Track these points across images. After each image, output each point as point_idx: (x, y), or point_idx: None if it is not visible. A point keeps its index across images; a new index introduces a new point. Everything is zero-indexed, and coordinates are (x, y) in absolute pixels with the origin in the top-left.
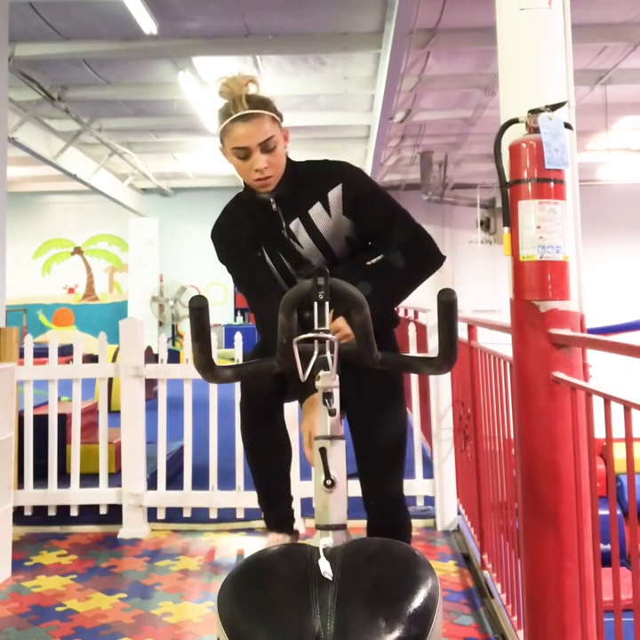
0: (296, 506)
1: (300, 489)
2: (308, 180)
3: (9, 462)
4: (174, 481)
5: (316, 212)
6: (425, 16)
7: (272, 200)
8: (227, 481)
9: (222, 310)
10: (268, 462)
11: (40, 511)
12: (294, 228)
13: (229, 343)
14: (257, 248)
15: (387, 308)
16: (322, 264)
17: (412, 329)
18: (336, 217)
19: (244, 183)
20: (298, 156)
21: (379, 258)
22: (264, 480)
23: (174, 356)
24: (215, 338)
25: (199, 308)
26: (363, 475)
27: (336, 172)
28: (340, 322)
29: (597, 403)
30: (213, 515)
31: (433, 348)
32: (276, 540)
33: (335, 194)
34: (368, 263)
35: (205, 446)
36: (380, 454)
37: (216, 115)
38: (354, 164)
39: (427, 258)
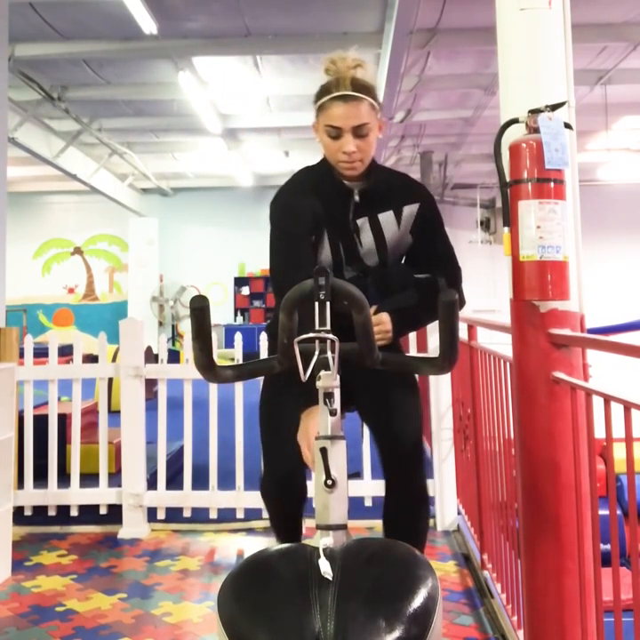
0: None
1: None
2: (389, 186)
3: (9, 462)
4: (174, 481)
5: (385, 218)
6: (425, 16)
7: (356, 191)
8: (227, 481)
9: (222, 310)
10: (288, 516)
11: (40, 511)
12: (360, 224)
13: (229, 343)
14: (316, 226)
15: (421, 323)
16: (375, 267)
17: None
18: (403, 231)
19: (323, 160)
20: (298, 155)
21: (428, 275)
22: (282, 527)
23: (174, 356)
24: (215, 338)
25: (200, 308)
26: (386, 466)
27: (418, 191)
28: (385, 316)
29: (597, 403)
30: (213, 515)
31: (433, 347)
32: None
33: (410, 210)
34: (417, 276)
35: (205, 446)
36: (404, 444)
37: (316, 90)
38: (428, 189)
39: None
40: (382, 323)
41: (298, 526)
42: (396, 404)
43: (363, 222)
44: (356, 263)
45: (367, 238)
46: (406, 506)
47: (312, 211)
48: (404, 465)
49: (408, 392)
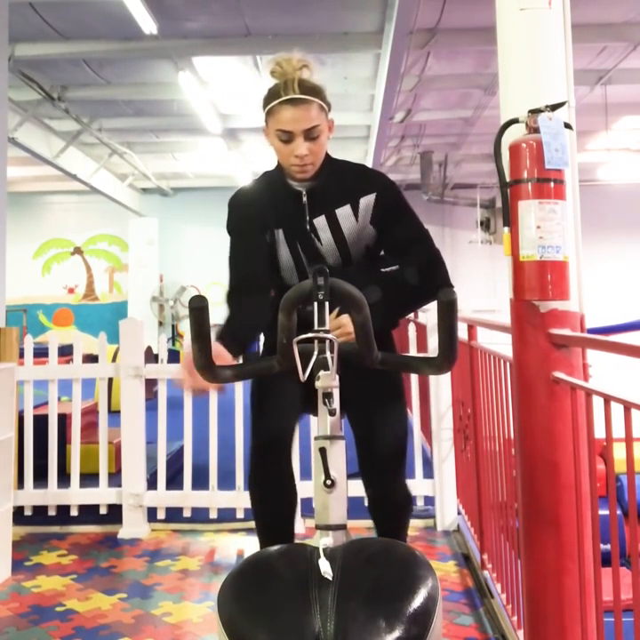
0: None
1: (300, 489)
2: (343, 180)
3: (9, 462)
4: (174, 481)
5: (343, 213)
6: (425, 16)
7: (304, 192)
8: (227, 481)
9: (222, 310)
10: (275, 512)
11: (40, 511)
12: (318, 223)
13: None
14: (267, 230)
15: (389, 318)
16: (337, 264)
17: (411, 329)
18: (362, 223)
19: (277, 164)
20: None
21: (394, 268)
22: (268, 528)
23: (174, 356)
24: (215, 338)
25: (199, 308)
26: (365, 473)
27: (373, 181)
28: (345, 318)
29: (597, 403)
30: (213, 515)
31: (433, 347)
32: None
33: (367, 201)
34: (382, 270)
35: (205, 446)
36: (383, 454)
37: (263, 94)
38: (386, 176)
39: (437, 284)
40: (342, 325)
41: (288, 535)
42: (379, 413)
43: (320, 220)
44: (318, 262)
45: (325, 236)
46: (388, 513)
47: (259, 215)
48: (381, 476)
49: (393, 401)
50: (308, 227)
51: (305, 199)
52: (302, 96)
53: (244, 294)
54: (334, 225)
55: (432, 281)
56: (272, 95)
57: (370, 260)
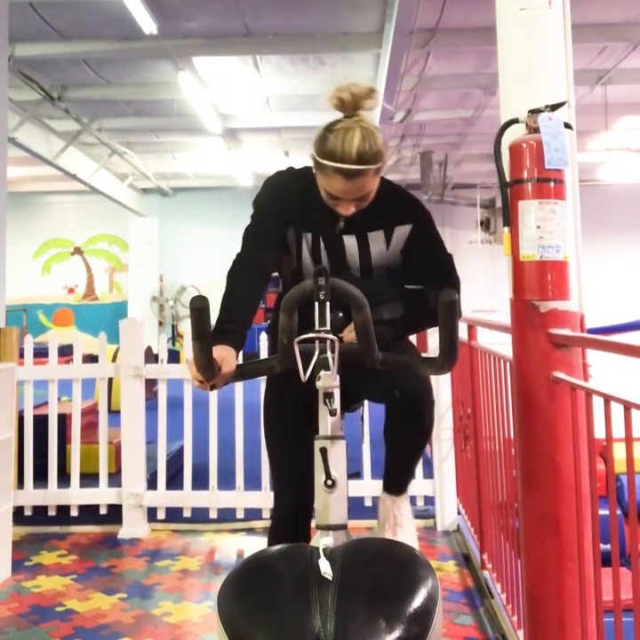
0: None
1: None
2: (381, 206)
3: (9, 462)
4: (174, 481)
5: (375, 237)
6: (425, 16)
7: (341, 218)
8: (227, 481)
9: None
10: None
11: (40, 511)
12: (348, 241)
13: None
14: (290, 227)
15: (405, 333)
16: (359, 278)
17: None
18: (392, 251)
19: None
20: (298, 155)
21: (418, 287)
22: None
23: (174, 356)
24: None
25: (200, 308)
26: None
27: (411, 211)
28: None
29: (597, 403)
30: (213, 515)
31: (433, 347)
32: None
33: (402, 231)
34: (407, 287)
35: (205, 446)
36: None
37: (317, 133)
38: (425, 207)
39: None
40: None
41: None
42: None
43: (351, 238)
44: (339, 275)
45: (352, 253)
46: (409, 404)
47: (292, 208)
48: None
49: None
50: (337, 241)
51: (342, 224)
52: (359, 167)
53: (245, 270)
54: (364, 246)
55: (452, 310)
56: (326, 152)
57: (391, 276)
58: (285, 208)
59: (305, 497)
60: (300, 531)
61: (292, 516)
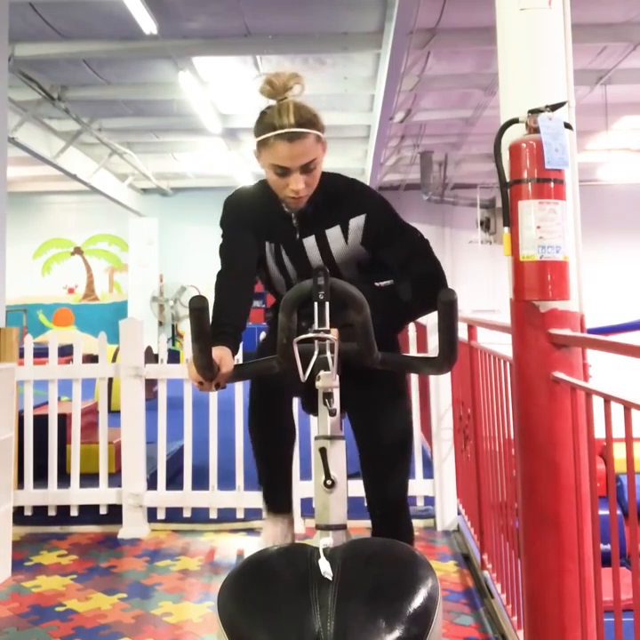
0: (296, 506)
1: (300, 489)
2: (332, 200)
3: (9, 462)
4: (174, 481)
5: (333, 234)
6: (425, 16)
7: (293, 215)
8: (227, 481)
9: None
10: (274, 452)
11: (40, 511)
12: (308, 243)
13: None
14: (257, 238)
15: (382, 332)
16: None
17: (411, 329)
18: (352, 244)
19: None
20: None
21: (388, 282)
22: (267, 464)
23: (174, 356)
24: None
25: (199, 308)
26: (365, 475)
27: (362, 201)
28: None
29: (597, 403)
30: (213, 515)
31: (433, 347)
32: (272, 525)
33: (357, 223)
34: (376, 284)
35: (205, 446)
36: (384, 454)
37: (256, 116)
38: (377, 193)
39: (437, 295)
40: None
41: (287, 485)
42: (380, 412)
43: (310, 240)
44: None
45: (314, 255)
46: (383, 516)
47: (250, 223)
48: (380, 474)
49: (395, 400)
50: (297, 246)
51: (294, 221)
52: (298, 129)
53: (230, 278)
54: (323, 245)
55: (433, 292)
56: (266, 126)
57: (362, 274)
58: (248, 222)
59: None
60: (281, 408)
61: (270, 396)
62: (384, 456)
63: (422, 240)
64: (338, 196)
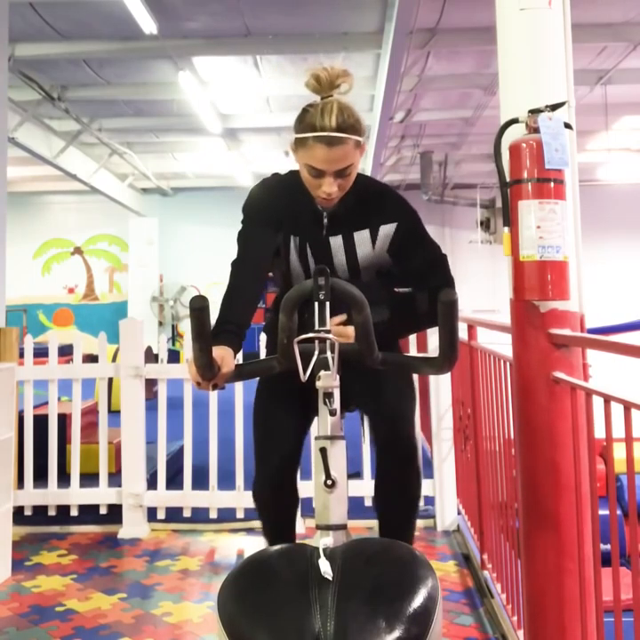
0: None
1: (299, 489)
2: (365, 204)
3: (9, 462)
4: (174, 481)
5: (361, 237)
6: (425, 16)
7: (325, 214)
8: (227, 481)
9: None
10: (279, 515)
11: (40, 511)
12: (334, 242)
13: None
14: (280, 231)
15: (392, 337)
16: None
17: None
18: (379, 251)
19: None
20: None
21: (406, 290)
22: (273, 523)
23: (174, 356)
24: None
25: (200, 308)
26: (374, 425)
27: (395, 209)
28: (351, 330)
29: (597, 403)
30: (213, 515)
31: (433, 347)
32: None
33: (386, 230)
34: (396, 290)
35: (205, 446)
36: (391, 401)
37: (298, 112)
38: (410, 205)
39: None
40: (347, 336)
41: (290, 533)
42: (390, 389)
43: (337, 240)
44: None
45: (339, 255)
46: (394, 460)
47: (279, 213)
48: (391, 428)
49: (404, 384)
50: (323, 243)
51: (325, 220)
52: (338, 134)
53: (243, 271)
54: (350, 247)
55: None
56: (306, 125)
57: (379, 279)
58: (273, 212)
59: (290, 450)
60: (287, 483)
61: (277, 468)
62: (391, 402)
63: (443, 256)
64: (371, 200)
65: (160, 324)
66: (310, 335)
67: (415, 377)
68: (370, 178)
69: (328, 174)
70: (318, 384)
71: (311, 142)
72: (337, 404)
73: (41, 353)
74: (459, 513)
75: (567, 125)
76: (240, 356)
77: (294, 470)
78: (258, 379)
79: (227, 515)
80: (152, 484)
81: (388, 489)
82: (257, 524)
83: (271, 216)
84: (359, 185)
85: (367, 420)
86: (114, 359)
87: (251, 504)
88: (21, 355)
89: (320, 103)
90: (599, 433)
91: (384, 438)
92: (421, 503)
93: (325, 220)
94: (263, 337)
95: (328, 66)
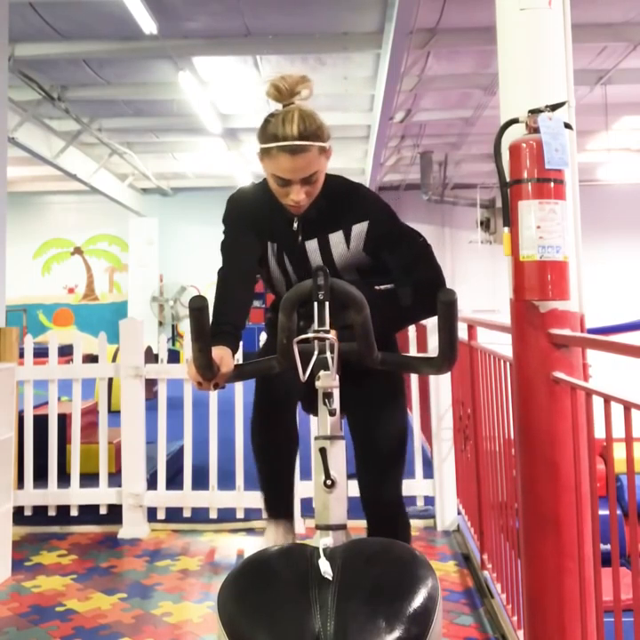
0: (296, 506)
1: (300, 489)
2: (336, 205)
3: (9, 462)
4: (174, 481)
5: (335, 238)
6: (425, 16)
7: (295, 219)
8: (227, 481)
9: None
10: (276, 457)
11: (40, 511)
12: (310, 246)
13: None
14: (259, 237)
15: (380, 334)
16: None
17: (411, 329)
18: (354, 250)
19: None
20: None
21: (388, 286)
22: (268, 471)
23: (174, 356)
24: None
25: (199, 308)
26: (361, 475)
27: (365, 207)
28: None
29: (597, 403)
30: (213, 515)
31: (433, 347)
32: (274, 530)
33: (359, 229)
34: (376, 288)
35: (205, 446)
36: (380, 454)
37: (260, 122)
38: (381, 200)
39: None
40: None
41: (289, 493)
42: (377, 415)
43: (312, 243)
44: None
45: (315, 258)
46: (381, 519)
47: (252, 223)
48: (376, 475)
49: (392, 402)
50: (299, 248)
51: (296, 224)
52: (301, 142)
53: (231, 277)
54: (325, 249)
55: (433, 298)
56: (269, 136)
57: (362, 277)
58: (251, 220)
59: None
60: (285, 416)
61: (275, 403)
62: (380, 456)
63: (424, 245)
64: (341, 200)
65: (160, 324)
66: (310, 335)
67: (414, 378)
68: (339, 177)
69: (294, 182)
70: (318, 384)
71: (275, 152)
72: (337, 404)
73: (41, 353)
74: (459, 513)
75: (567, 125)
76: (240, 355)
77: (292, 413)
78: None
79: (227, 515)
80: (152, 484)
81: (377, 529)
82: (257, 523)
83: (249, 222)
84: (329, 187)
85: (352, 439)
86: (114, 359)
87: (251, 504)
88: (21, 355)
89: (281, 112)
90: (599, 433)
91: (367, 498)
92: (421, 503)
93: (298, 225)
94: (263, 336)
95: (287, 74)
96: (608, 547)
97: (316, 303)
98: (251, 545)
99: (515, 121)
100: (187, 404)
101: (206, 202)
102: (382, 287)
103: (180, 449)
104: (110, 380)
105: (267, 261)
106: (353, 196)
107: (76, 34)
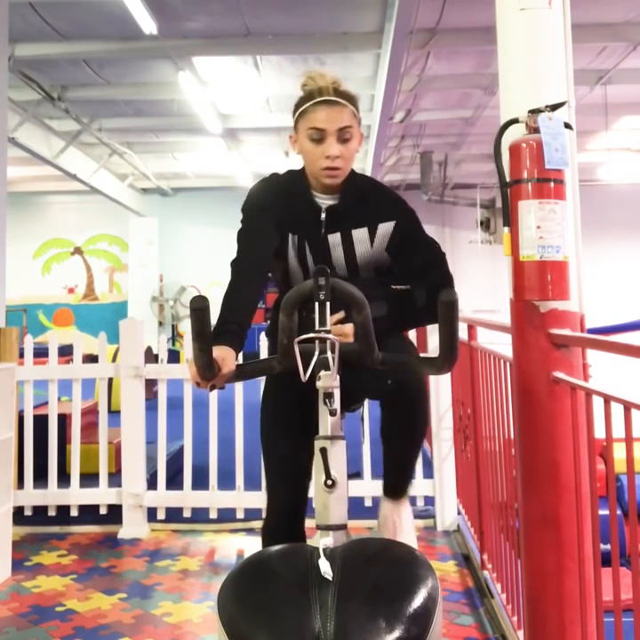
0: None
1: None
2: (363, 201)
3: (9, 462)
4: (174, 481)
5: (359, 235)
6: (425, 16)
7: (323, 209)
8: (227, 481)
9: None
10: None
11: (40, 511)
12: (332, 239)
13: None
14: (280, 228)
15: (391, 331)
16: (344, 277)
17: (411, 329)
18: (377, 249)
19: (302, 172)
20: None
21: (405, 287)
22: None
23: (174, 356)
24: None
25: (200, 308)
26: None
27: (393, 207)
28: (349, 328)
29: (597, 403)
30: (213, 515)
31: (433, 347)
32: None
33: (385, 228)
34: (393, 287)
35: (205, 446)
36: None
37: (295, 102)
38: (408, 203)
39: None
40: (345, 334)
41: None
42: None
43: (335, 237)
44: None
45: (337, 253)
46: (402, 399)
47: (278, 211)
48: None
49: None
50: (321, 240)
51: (323, 215)
52: (337, 99)
53: (243, 270)
54: (348, 244)
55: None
56: (306, 98)
57: (378, 276)
58: (272, 211)
59: (298, 496)
60: (294, 529)
61: (286, 514)
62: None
63: (442, 254)
64: (370, 198)
65: (160, 324)
66: (311, 335)
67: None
68: (368, 177)
69: (330, 134)
70: (318, 384)
71: (311, 108)
72: (337, 404)
73: (41, 353)
74: (459, 513)
75: (567, 125)
76: (240, 355)
77: (303, 513)
78: (262, 392)
79: (227, 515)
80: (152, 484)
81: (394, 416)
82: (257, 523)
83: (270, 215)
84: (358, 183)
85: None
86: (114, 359)
87: (251, 504)
88: (21, 355)
89: (317, 75)
90: (599, 433)
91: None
92: (421, 503)
93: (323, 215)
94: (263, 337)
95: (323, 72)
96: (608, 547)
97: (316, 303)
98: (251, 545)
99: (515, 121)
100: (187, 404)
101: (206, 202)
102: (398, 287)
103: (179, 449)
104: (110, 380)
105: (286, 254)
106: (381, 195)
107: (76, 34)
